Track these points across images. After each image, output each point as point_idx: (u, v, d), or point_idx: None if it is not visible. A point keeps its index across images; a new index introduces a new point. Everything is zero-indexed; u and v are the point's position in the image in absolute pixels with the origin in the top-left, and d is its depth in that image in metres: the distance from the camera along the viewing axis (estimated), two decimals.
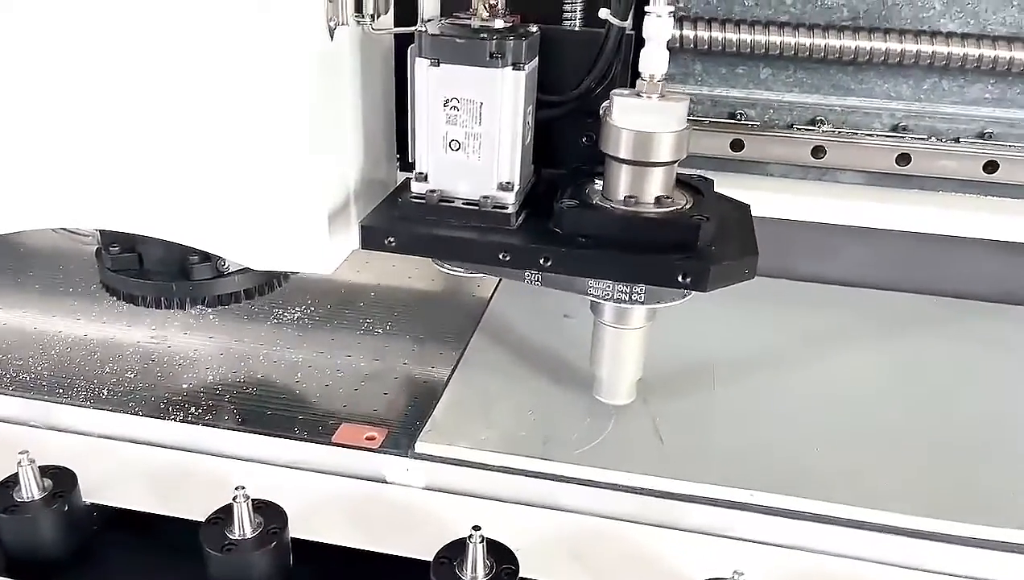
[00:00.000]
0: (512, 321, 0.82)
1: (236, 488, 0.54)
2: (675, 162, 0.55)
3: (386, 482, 0.64)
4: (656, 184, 0.55)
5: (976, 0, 0.74)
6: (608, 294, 0.58)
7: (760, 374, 0.74)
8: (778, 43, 0.76)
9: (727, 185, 0.65)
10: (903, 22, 0.75)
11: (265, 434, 0.66)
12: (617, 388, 0.66)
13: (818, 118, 0.80)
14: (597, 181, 0.58)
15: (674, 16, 0.53)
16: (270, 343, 0.79)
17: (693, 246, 0.53)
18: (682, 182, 0.58)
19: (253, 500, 0.57)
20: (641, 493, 0.62)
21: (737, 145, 0.80)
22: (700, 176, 0.60)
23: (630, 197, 0.55)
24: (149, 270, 0.61)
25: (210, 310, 0.75)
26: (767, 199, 0.77)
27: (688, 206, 0.56)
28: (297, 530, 0.58)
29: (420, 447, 0.64)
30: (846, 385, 0.73)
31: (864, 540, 0.59)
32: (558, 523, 0.61)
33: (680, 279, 0.52)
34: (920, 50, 0.74)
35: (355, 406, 0.70)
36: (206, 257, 0.60)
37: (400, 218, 0.56)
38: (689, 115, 0.55)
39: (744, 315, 0.82)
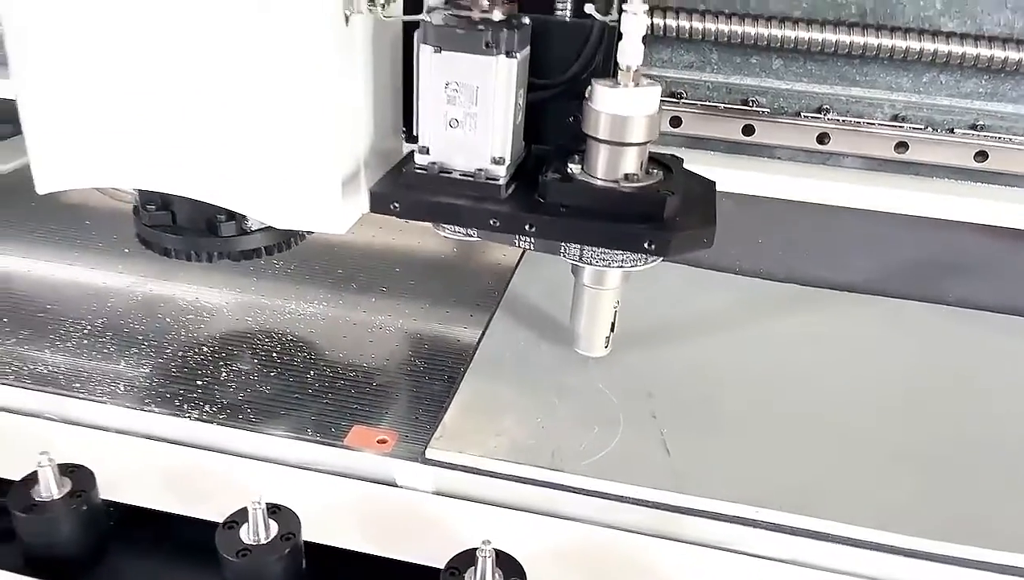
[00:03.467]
0: (530, 306, 0.84)
1: (252, 501, 0.55)
2: (647, 143, 0.61)
3: (397, 486, 0.65)
4: (630, 162, 0.62)
5: (974, 2, 0.78)
6: (586, 258, 0.64)
7: (769, 383, 0.75)
8: (791, 37, 0.80)
9: (737, 168, 0.76)
10: (906, 20, 0.80)
11: (279, 435, 0.67)
12: (593, 342, 0.72)
13: (824, 107, 0.84)
14: (579, 158, 0.64)
15: (649, 13, 0.62)
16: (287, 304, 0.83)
17: (659, 217, 0.60)
18: (655, 159, 0.65)
19: (268, 505, 0.58)
20: (647, 505, 0.62)
21: (748, 130, 0.85)
22: (672, 154, 0.67)
23: (607, 172, 0.62)
24: (181, 226, 0.69)
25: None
26: (774, 181, 0.84)
27: (658, 181, 0.63)
28: (309, 532, 0.59)
29: (431, 453, 0.65)
30: (856, 395, 0.74)
31: (870, 560, 0.60)
32: (566, 532, 0.62)
33: (646, 246, 0.60)
34: (921, 47, 0.78)
35: (369, 395, 0.71)
36: (232, 216, 0.67)
37: (404, 186, 0.62)
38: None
39: (753, 322, 0.83)
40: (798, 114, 0.84)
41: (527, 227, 0.61)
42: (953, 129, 0.82)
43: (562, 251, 0.65)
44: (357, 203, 0.66)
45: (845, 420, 0.71)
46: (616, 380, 0.74)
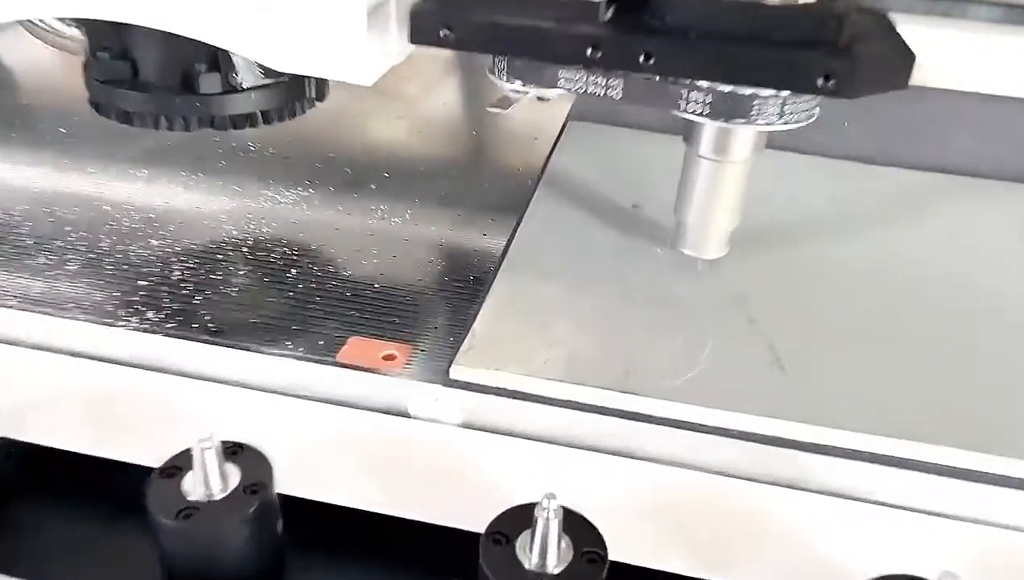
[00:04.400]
0: (578, 187, 0.65)
1: (200, 439, 0.38)
2: None
3: (409, 416, 0.47)
4: None
5: None
6: (710, 108, 0.45)
7: (900, 284, 0.56)
8: None
9: None
10: None
11: (244, 349, 0.49)
12: (706, 238, 0.53)
13: None
14: None
15: None
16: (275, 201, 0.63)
17: (834, 40, 0.41)
18: None
19: (225, 444, 0.40)
20: (759, 440, 0.45)
21: None
22: None
23: None
24: (146, 81, 0.51)
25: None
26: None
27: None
28: (287, 483, 0.42)
29: (457, 371, 0.47)
30: (1016, 298, 0.56)
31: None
32: (646, 479, 0.45)
33: (821, 82, 0.41)
34: None
35: (370, 306, 0.53)
36: (215, 66, 0.50)
37: (458, 4, 0.43)
38: None
39: (860, 212, 0.65)
40: None
41: (642, 58, 0.42)
42: None
43: (682, 99, 0.45)
44: (387, 49, 0.47)
45: (1007, 327, 0.53)
46: (697, 278, 0.55)
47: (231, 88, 0.52)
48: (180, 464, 0.40)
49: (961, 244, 0.61)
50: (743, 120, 0.45)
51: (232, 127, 0.53)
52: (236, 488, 0.39)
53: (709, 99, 0.44)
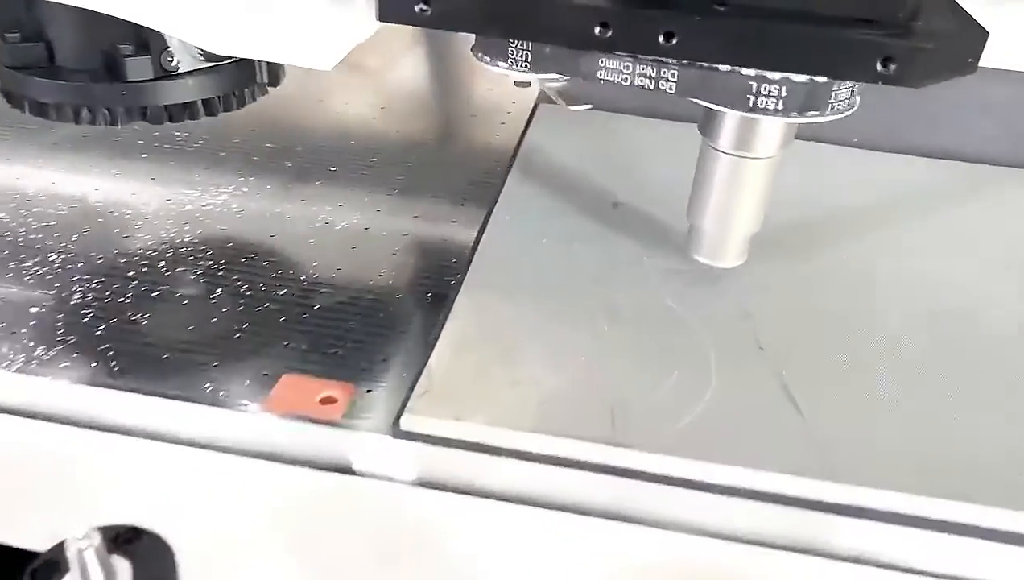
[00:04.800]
0: (552, 184, 0.57)
1: (76, 539, 0.29)
2: None
3: (353, 473, 0.39)
4: None
5: None
6: (743, 97, 0.36)
7: (937, 298, 0.49)
8: None
9: None
10: None
11: (150, 394, 0.40)
12: (725, 244, 0.45)
13: None
14: None
15: None
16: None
17: (892, 20, 0.34)
18: None
19: (113, 532, 0.32)
20: (778, 501, 0.37)
21: None
22: None
23: None
24: (63, 67, 0.44)
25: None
26: None
27: None
28: (198, 569, 0.34)
29: (409, 421, 0.39)
30: None
31: None
32: (640, 547, 0.37)
33: (880, 67, 0.33)
34: None
35: (307, 334, 0.45)
36: (143, 47, 0.43)
37: None
38: None
39: (884, 210, 0.57)
40: None
41: (662, 38, 0.34)
42: None
43: (651, 77, 0.38)
44: (350, 26, 0.39)
45: None
46: (693, 291, 0.48)
47: (165, 73, 0.44)
48: (58, 558, 0.32)
49: (992, 245, 0.54)
50: (817, 112, 0.37)
51: (168, 119, 0.45)
52: None
53: (784, 92, 0.36)
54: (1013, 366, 0.44)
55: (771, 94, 0.36)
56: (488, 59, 0.40)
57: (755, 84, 0.36)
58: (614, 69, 0.38)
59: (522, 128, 0.64)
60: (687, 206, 0.45)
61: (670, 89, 0.38)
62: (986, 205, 0.58)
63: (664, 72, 0.37)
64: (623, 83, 0.38)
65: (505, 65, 0.40)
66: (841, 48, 0.34)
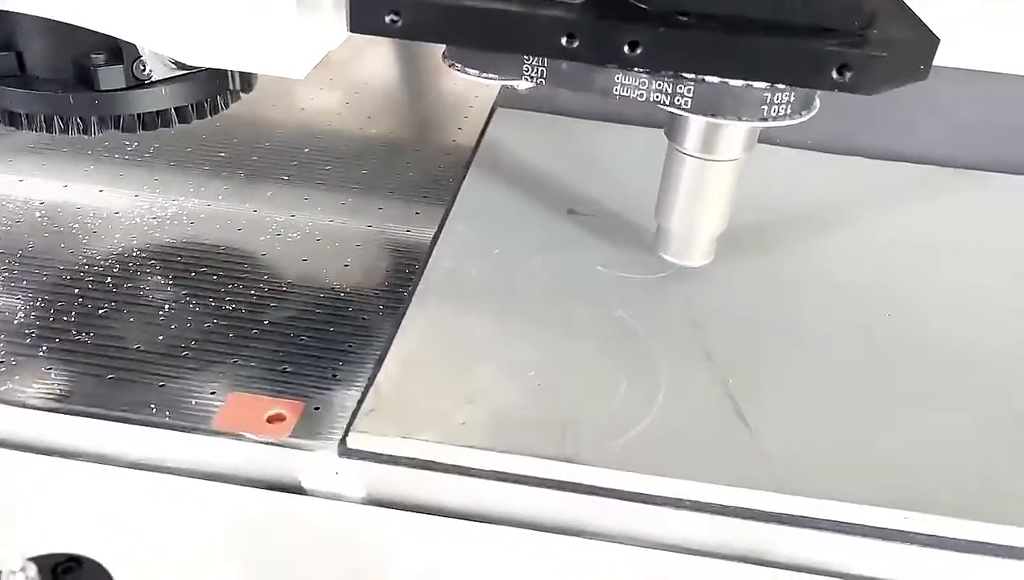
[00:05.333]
0: (507, 193, 0.57)
1: (16, 570, 0.29)
2: None
3: (303, 492, 0.39)
4: None
5: None
6: (758, 108, 0.38)
7: (878, 292, 0.49)
8: None
9: None
10: None
11: (93, 415, 0.40)
12: (692, 244, 0.46)
13: None
14: None
15: None
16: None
17: (849, 29, 0.35)
18: None
19: (50, 562, 0.31)
20: (726, 513, 0.37)
21: None
22: None
23: None
24: (35, 76, 0.44)
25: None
26: None
27: None
28: None
29: (356, 439, 0.38)
30: (998, 318, 0.49)
31: None
32: (591, 560, 0.37)
33: (836, 75, 0.35)
34: None
35: (255, 349, 0.44)
36: (116, 56, 0.43)
37: None
38: None
39: (832, 211, 0.57)
40: None
41: (627, 49, 0.35)
42: None
43: (667, 93, 0.38)
44: (320, 35, 0.39)
45: (1009, 357, 0.46)
46: (646, 299, 0.48)
47: (137, 82, 0.44)
48: None
49: (940, 245, 0.54)
50: (807, 111, 0.39)
51: (141, 128, 0.45)
52: None
53: (792, 98, 0.38)
54: (963, 374, 0.44)
55: (782, 102, 0.38)
56: (459, 66, 0.41)
57: (768, 95, 0.37)
58: (630, 85, 0.39)
59: (479, 131, 0.64)
60: (655, 207, 0.46)
61: (686, 105, 0.38)
62: (932, 206, 0.58)
63: (680, 88, 0.38)
64: (639, 99, 0.39)
65: (476, 73, 0.41)
66: (799, 57, 0.35)
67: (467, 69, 0.41)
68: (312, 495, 0.39)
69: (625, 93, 0.39)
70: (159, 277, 0.49)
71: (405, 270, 0.50)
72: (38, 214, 0.53)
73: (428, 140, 0.66)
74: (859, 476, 0.38)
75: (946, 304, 0.49)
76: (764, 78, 0.36)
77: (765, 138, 0.63)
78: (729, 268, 0.50)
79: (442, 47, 0.41)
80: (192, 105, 0.46)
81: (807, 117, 0.39)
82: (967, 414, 0.42)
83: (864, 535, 0.37)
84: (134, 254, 0.51)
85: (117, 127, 0.45)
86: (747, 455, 0.39)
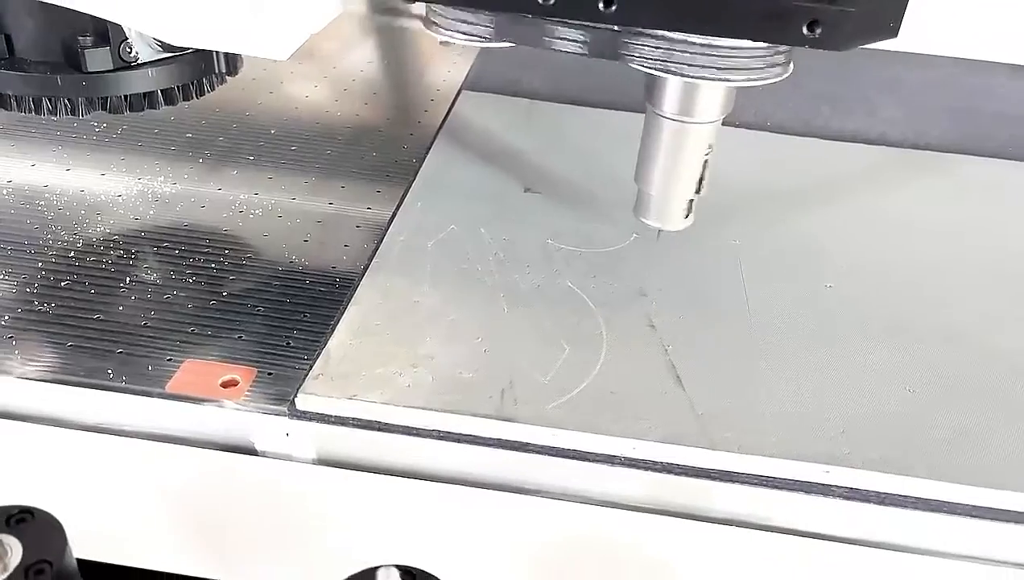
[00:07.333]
0: (465, 170, 0.58)
1: None
2: None
3: (255, 453, 0.41)
4: None
5: None
6: (677, 64, 0.38)
7: (822, 272, 0.51)
8: None
9: None
10: None
11: (52, 381, 0.41)
12: (670, 207, 0.46)
13: None
14: None
15: None
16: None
17: None
18: None
19: (7, 512, 0.33)
20: (657, 469, 0.39)
21: None
22: None
23: None
24: (24, 59, 0.45)
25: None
26: None
27: None
28: (97, 548, 0.35)
29: (305, 401, 0.40)
30: (946, 287, 0.51)
31: (993, 533, 0.38)
32: (528, 517, 0.39)
33: (806, 31, 0.36)
34: None
35: (211, 319, 0.46)
36: (103, 38, 0.44)
37: None
38: None
39: (780, 188, 0.59)
40: None
41: (602, 5, 0.36)
42: None
43: (636, 52, 0.39)
44: (305, 15, 0.40)
45: (940, 325, 0.48)
46: (592, 273, 0.49)
47: (124, 64, 0.45)
48: None
49: (891, 223, 0.56)
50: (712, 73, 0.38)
51: (128, 109, 0.46)
52: (16, 570, 0.32)
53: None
54: (897, 341, 0.46)
55: (651, 56, 0.39)
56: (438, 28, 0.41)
57: (637, 46, 0.39)
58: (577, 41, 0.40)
59: (444, 112, 0.65)
60: (634, 173, 0.46)
61: (571, 50, 0.39)
62: (887, 186, 0.60)
63: (571, 34, 0.39)
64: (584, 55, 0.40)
65: (463, 37, 0.41)
66: (770, 13, 0.35)
67: (447, 29, 0.41)
68: (264, 456, 0.40)
69: (572, 51, 0.40)
70: (122, 251, 0.50)
71: (364, 246, 0.52)
72: (5, 192, 0.55)
73: (393, 122, 0.67)
74: (784, 433, 0.40)
75: (884, 274, 0.51)
76: (735, 34, 0.37)
77: (726, 121, 0.66)
78: (679, 243, 0.51)
79: (417, 29, 0.42)
80: (178, 87, 0.47)
81: (778, 78, 0.40)
82: (895, 377, 0.44)
83: (787, 488, 0.39)
84: (99, 230, 0.52)
85: (104, 108, 0.46)
86: (680, 416, 0.40)
